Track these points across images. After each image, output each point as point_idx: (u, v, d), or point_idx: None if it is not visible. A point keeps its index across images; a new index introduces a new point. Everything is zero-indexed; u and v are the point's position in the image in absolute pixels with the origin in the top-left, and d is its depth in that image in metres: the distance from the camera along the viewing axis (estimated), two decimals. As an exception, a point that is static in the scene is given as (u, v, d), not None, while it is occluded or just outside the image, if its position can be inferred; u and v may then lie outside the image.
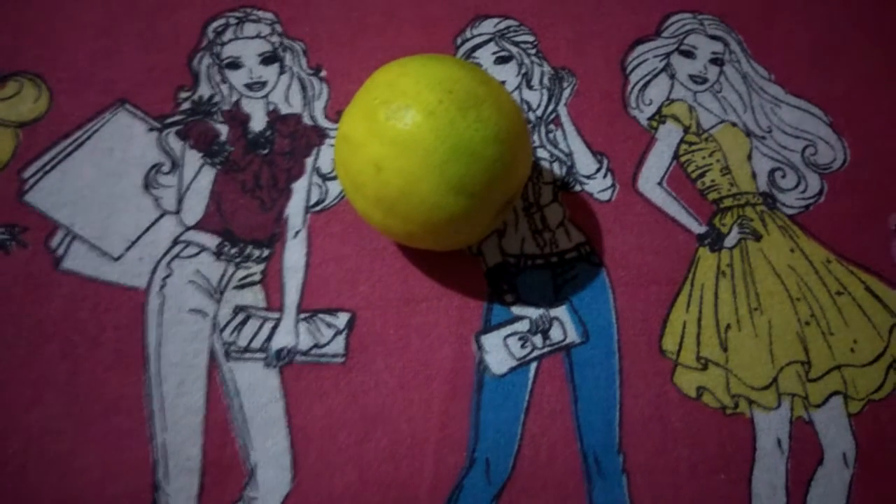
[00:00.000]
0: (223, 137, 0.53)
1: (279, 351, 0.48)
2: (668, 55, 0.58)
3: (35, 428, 0.45)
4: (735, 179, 0.54)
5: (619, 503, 0.45)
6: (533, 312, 0.49)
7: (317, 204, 0.52)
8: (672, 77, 0.57)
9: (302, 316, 0.48)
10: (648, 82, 0.57)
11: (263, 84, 0.55)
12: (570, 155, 0.54)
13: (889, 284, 0.51)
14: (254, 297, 0.49)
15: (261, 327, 0.48)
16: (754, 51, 0.58)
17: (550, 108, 0.55)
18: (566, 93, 0.56)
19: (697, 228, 0.52)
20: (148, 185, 0.52)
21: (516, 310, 0.49)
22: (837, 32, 0.59)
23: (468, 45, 0.57)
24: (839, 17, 0.60)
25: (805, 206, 0.53)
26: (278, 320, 0.48)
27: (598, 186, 0.53)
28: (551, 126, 0.55)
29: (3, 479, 0.44)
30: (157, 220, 0.51)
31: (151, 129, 0.53)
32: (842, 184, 0.54)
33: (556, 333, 0.49)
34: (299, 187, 0.52)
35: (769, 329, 0.49)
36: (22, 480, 0.44)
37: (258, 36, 0.57)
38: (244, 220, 0.51)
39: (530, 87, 0.56)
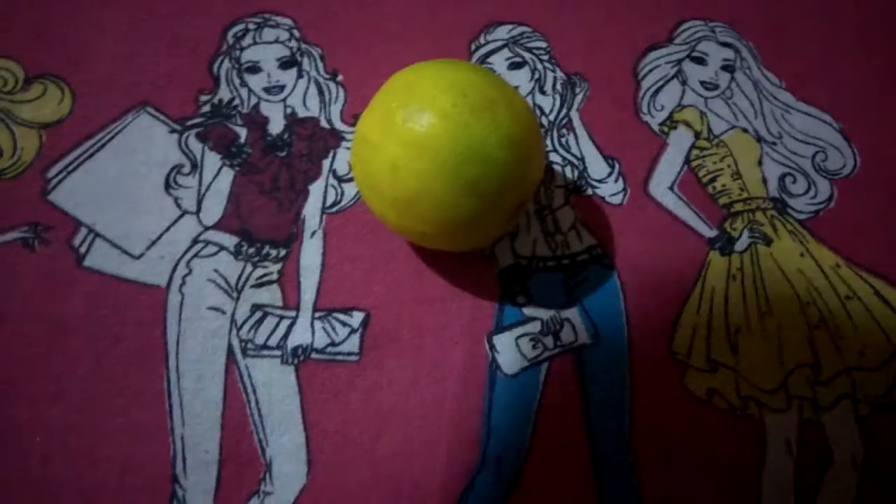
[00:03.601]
0: (242, 140, 0.54)
1: (295, 349, 0.48)
2: (679, 62, 0.58)
3: (57, 421, 0.46)
4: (746, 184, 0.54)
5: (629, 503, 0.45)
6: (544, 314, 0.49)
7: (333, 205, 0.53)
8: (683, 83, 0.57)
9: (317, 315, 0.49)
10: (660, 88, 0.57)
11: (282, 88, 0.56)
12: (582, 159, 0.55)
13: (898, 289, 0.51)
14: (271, 295, 0.50)
15: (277, 325, 0.49)
16: (765, 58, 0.58)
17: (563, 112, 0.56)
18: (578, 98, 0.57)
19: (708, 232, 0.52)
20: (168, 185, 0.52)
21: (528, 311, 0.50)
22: (847, 39, 0.59)
23: (482, 50, 0.58)
24: (848, 24, 0.60)
25: (815, 212, 0.53)
26: (294, 319, 0.49)
27: (610, 190, 0.54)
28: (564, 130, 0.55)
29: (27, 470, 0.45)
30: (177, 220, 0.51)
31: (172, 131, 0.54)
32: (851, 189, 0.54)
33: (567, 335, 0.49)
34: (316, 189, 0.53)
35: (779, 332, 0.49)
36: (45, 471, 0.45)
37: (277, 41, 0.58)
38: (262, 221, 0.52)
39: (543, 93, 0.57)
